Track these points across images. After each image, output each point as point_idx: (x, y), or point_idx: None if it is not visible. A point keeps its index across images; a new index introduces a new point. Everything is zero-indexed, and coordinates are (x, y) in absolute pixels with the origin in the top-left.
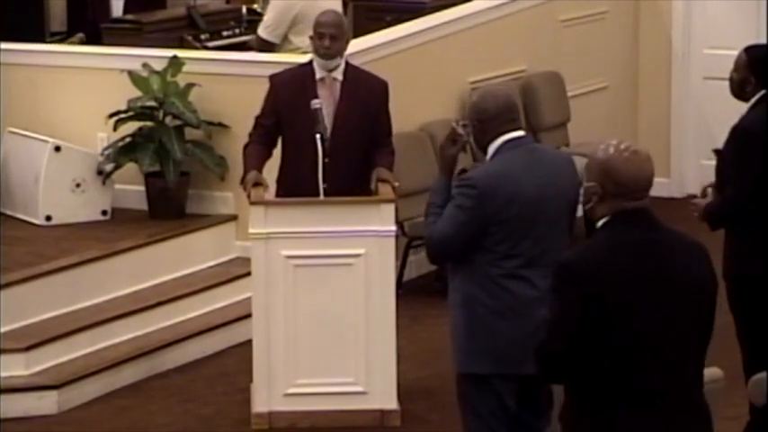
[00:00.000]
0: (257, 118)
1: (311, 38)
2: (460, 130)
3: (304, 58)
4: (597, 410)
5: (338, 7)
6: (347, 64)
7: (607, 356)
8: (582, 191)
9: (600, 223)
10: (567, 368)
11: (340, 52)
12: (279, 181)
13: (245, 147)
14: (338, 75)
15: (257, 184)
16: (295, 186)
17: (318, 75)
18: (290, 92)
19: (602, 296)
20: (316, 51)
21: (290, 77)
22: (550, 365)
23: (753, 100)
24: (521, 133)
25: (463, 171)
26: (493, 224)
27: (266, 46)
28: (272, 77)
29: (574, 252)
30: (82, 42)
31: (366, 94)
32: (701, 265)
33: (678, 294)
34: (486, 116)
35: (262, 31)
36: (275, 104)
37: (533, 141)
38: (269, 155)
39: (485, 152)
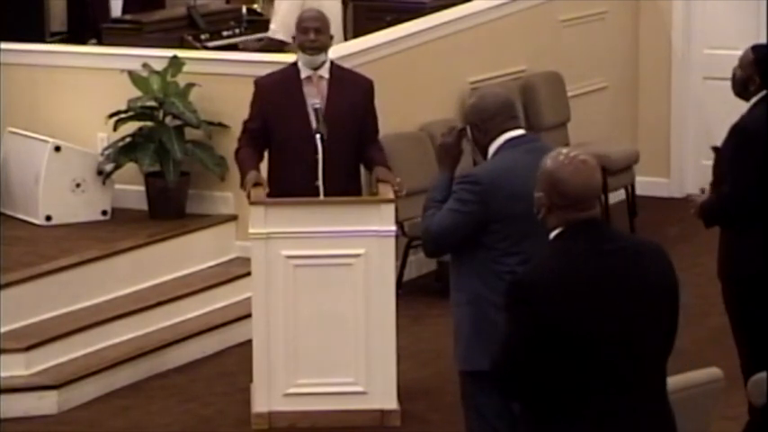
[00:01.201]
0: (245, 122)
1: (293, 38)
2: (468, 133)
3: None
4: (555, 426)
5: (338, 7)
6: (332, 63)
7: (563, 372)
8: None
9: (552, 234)
10: (520, 387)
11: (326, 46)
12: (270, 182)
13: (237, 151)
14: (324, 73)
15: (257, 184)
16: (285, 188)
17: (304, 74)
18: (276, 94)
19: (554, 313)
20: (302, 48)
21: (275, 79)
22: (503, 383)
23: (754, 99)
24: (522, 131)
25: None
26: (494, 221)
27: (280, 45)
28: (257, 81)
29: (526, 269)
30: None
31: (353, 93)
32: (660, 268)
33: (635, 303)
34: (486, 115)
35: (272, 34)
36: (262, 108)
37: (536, 139)
38: (261, 157)
39: (485, 153)
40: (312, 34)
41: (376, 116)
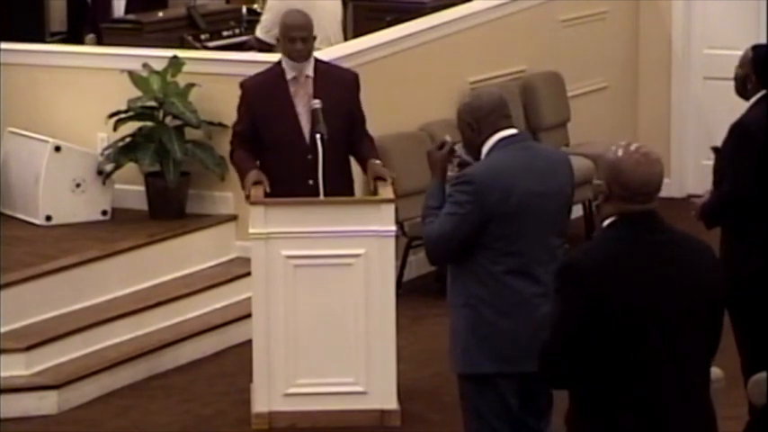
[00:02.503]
0: (234, 126)
1: (277, 40)
2: (448, 138)
3: None
4: (602, 414)
5: (338, 7)
6: (316, 59)
7: (610, 359)
8: (593, 185)
9: (605, 223)
10: (569, 371)
11: (311, 52)
12: None
13: (231, 154)
14: (309, 71)
15: (258, 182)
16: (279, 186)
17: (289, 75)
18: (263, 95)
19: (604, 297)
20: (288, 55)
21: (261, 81)
22: (552, 368)
23: (753, 99)
24: (514, 131)
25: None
26: (491, 219)
27: (265, 47)
28: (243, 83)
29: (577, 252)
30: (94, 43)
31: (339, 88)
32: (708, 267)
33: (683, 297)
34: (481, 113)
35: (259, 33)
36: (250, 110)
37: (528, 138)
38: (256, 157)
39: (479, 153)
40: (299, 44)
41: (362, 108)
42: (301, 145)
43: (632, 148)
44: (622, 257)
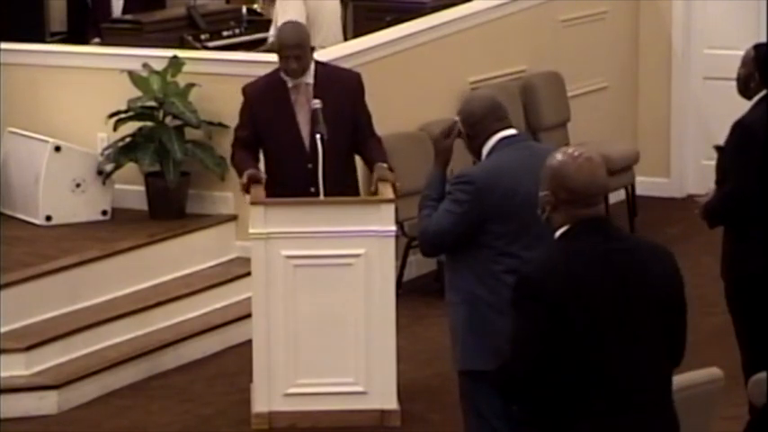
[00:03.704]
0: (236, 130)
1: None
2: (457, 118)
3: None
4: (564, 421)
5: (338, 7)
6: (316, 63)
7: (570, 369)
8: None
9: (558, 233)
10: (528, 387)
11: (307, 67)
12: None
13: (232, 157)
14: (309, 79)
15: (256, 181)
16: (281, 193)
17: (290, 84)
18: (264, 101)
19: (563, 308)
20: (284, 72)
21: (262, 86)
22: (511, 384)
23: (756, 98)
24: (513, 131)
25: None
26: (490, 220)
27: None
28: (245, 88)
29: (533, 265)
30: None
31: (340, 91)
32: (667, 273)
33: (643, 301)
34: (474, 118)
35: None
36: (251, 115)
37: (528, 138)
38: (257, 160)
39: (479, 156)
40: (293, 63)
41: (367, 109)
42: (302, 153)
43: (574, 152)
44: (579, 266)
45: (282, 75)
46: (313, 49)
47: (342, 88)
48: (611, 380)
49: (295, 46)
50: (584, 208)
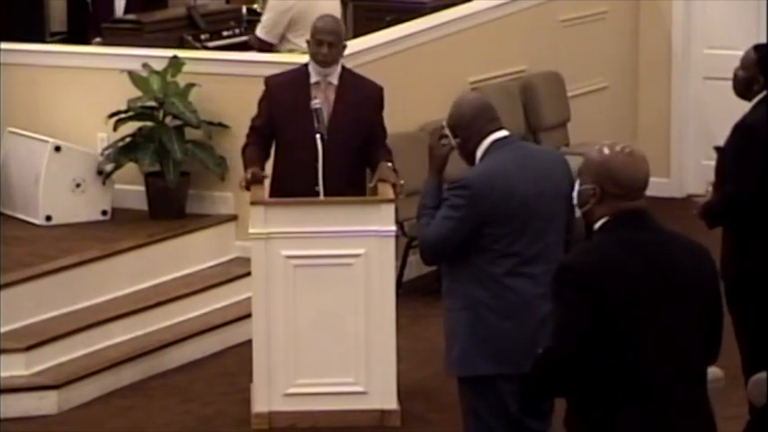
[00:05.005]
0: (253, 120)
1: (308, 42)
2: (447, 132)
3: (303, 58)
4: (600, 410)
5: (337, 7)
6: (343, 68)
7: (609, 356)
8: (576, 193)
9: (598, 225)
10: (571, 375)
11: (337, 58)
12: (272, 183)
13: (244, 148)
14: (334, 79)
15: (255, 180)
16: (288, 188)
17: (314, 78)
18: (285, 94)
19: (603, 297)
20: (313, 57)
21: (285, 80)
22: (554, 374)
23: (756, 99)
24: (505, 133)
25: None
26: (487, 223)
27: (264, 46)
28: (268, 79)
29: (573, 254)
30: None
31: (361, 99)
32: (703, 264)
33: (680, 294)
34: (464, 121)
35: (259, 32)
36: (270, 106)
37: (520, 140)
38: (267, 155)
39: (473, 159)
40: (325, 48)
41: (383, 123)
42: (313, 150)
43: (617, 147)
44: (619, 258)
45: (310, 66)
46: (344, 46)
47: (364, 97)
48: (647, 366)
49: (330, 32)
50: (629, 200)
